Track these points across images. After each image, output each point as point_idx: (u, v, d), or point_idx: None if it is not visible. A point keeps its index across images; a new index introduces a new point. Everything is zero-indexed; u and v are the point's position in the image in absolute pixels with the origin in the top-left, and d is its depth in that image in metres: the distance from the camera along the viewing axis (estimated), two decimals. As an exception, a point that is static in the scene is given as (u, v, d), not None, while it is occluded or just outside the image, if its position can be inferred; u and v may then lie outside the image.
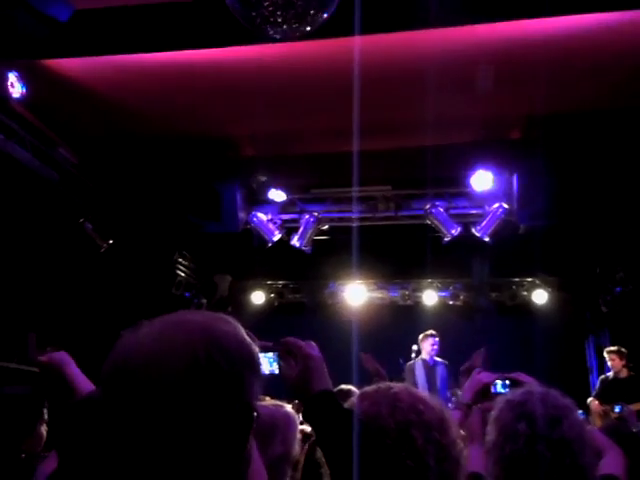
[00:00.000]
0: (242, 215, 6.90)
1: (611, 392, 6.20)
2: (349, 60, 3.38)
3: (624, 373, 6.28)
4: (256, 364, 0.88)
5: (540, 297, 8.62)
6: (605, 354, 6.62)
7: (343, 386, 3.65)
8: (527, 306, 8.77)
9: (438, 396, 6.30)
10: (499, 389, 2.25)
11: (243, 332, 0.89)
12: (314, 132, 5.67)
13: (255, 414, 0.84)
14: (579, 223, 6.50)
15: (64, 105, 5.45)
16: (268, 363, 1.41)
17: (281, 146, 6.07)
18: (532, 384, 1.94)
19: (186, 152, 6.07)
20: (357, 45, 3.64)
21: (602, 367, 8.43)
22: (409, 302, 8.93)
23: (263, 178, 6.61)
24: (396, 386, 1.34)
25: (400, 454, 1.19)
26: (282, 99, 5.11)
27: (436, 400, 1.35)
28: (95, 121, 5.76)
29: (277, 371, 1.40)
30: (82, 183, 6.27)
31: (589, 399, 6.42)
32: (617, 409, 4.62)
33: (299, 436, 1.89)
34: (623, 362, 6.30)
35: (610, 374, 6.51)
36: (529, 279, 8.77)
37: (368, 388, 1.35)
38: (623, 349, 6.40)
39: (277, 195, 6.88)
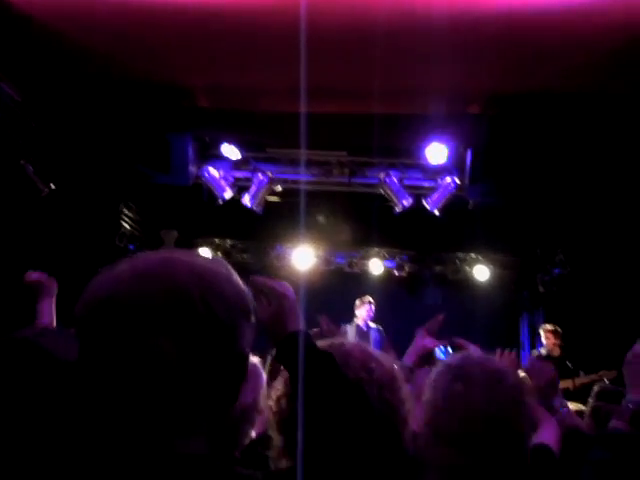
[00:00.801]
0: (193, 169, 6.70)
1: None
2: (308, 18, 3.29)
3: (556, 352, 6.54)
4: (250, 311, 0.83)
5: (481, 273, 8.84)
6: (541, 331, 6.87)
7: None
8: (468, 281, 8.99)
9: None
10: (440, 354, 2.29)
11: (236, 275, 0.83)
12: (273, 89, 5.52)
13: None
14: (526, 203, 6.65)
15: (8, 38, 5.08)
16: None
17: (238, 100, 5.89)
18: (473, 350, 1.97)
19: (138, 97, 5.80)
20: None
21: (533, 344, 8.80)
22: (355, 270, 8.99)
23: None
24: (349, 343, 1.31)
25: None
26: (242, 52, 4.92)
27: (388, 358, 1.33)
28: (42, 57, 5.40)
29: None
30: (25, 122, 5.92)
31: (520, 373, 6.68)
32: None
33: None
34: (557, 341, 6.56)
35: (543, 351, 6.78)
36: (472, 255, 8.97)
37: (320, 343, 1.31)
38: (559, 329, 6.65)
39: (230, 152, 6.71)
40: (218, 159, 6.98)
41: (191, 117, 6.26)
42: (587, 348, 6.76)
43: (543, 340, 6.77)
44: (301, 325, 1.25)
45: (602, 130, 5.27)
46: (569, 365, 6.20)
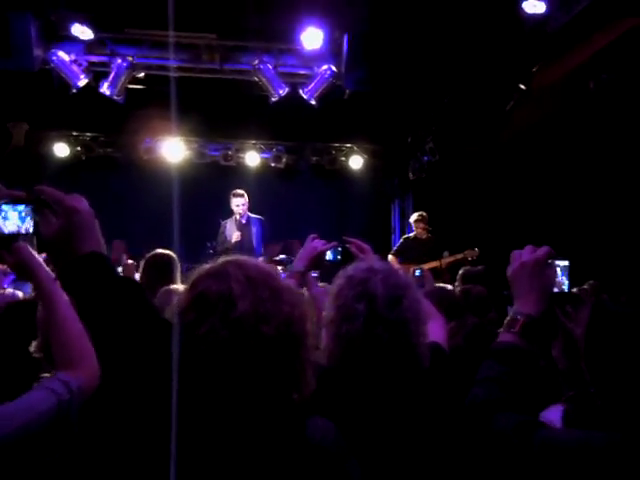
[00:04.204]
0: (38, 52, 5.84)
1: (411, 251, 6.87)
2: None
3: (424, 235, 6.94)
4: None
5: (356, 162, 8.98)
6: (411, 220, 7.21)
7: (159, 250, 3.39)
8: (343, 171, 9.11)
9: (252, 252, 6.37)
10: (329, 256, 2.25)
11: None
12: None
13: None
14: (400, 91, 6.66)
15: None
16: (19, 218, 1.12)
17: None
18: (370, 257, 1.93)
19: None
20: None
21: (403, 228, 9.32)
22: (231, 162, 8.69)
23: None
24: (245, 259, 1.16)
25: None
26: None
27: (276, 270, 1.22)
28: None
29: (32, 229, 1.12)
30: None
31: (389, 256, 7.05)
32: (417, 273, 5.11)
33: None
34: (425, 226, 6.94)
35: (412, 235, 7.18)
36: (348, 145, 9.03)
37: (213, 264, 1.14)
38: (424, 214, 7.02)
39: (82, 32, 5.90)
40: (68, 41, 6.13)
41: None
42: (452, 230, 7.26)
43: (413, 227, 7.14)
44: (98, 247, 1.06)
45: (474, 13, 5.27)
46: (436, 247, 6.63)
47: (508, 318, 1.26)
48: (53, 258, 1.08)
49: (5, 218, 1.12)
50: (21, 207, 1.11)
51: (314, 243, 2.12)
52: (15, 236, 1.13)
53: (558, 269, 1.32)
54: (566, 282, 1.33)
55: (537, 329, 1.24)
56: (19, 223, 1.11)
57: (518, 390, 1.18)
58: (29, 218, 1.11)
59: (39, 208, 1.08)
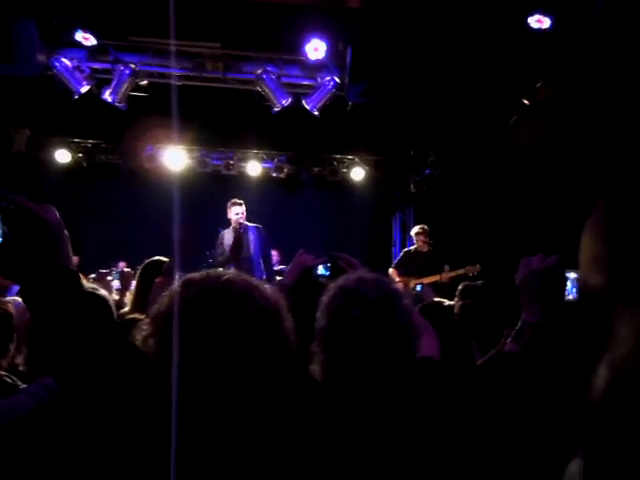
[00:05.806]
0: (41, 58, 5.83)
1: (412, 264, 6.82)
2: None
3: (425, 248, 6.90)
4: None
5: (358, 174, 8.96)
6: (412, 233, 7.17)
7: (157, 257, 3.35)
8: (345, 182, 9.09)
9: (250, 260, 6.29)
10: (320, 271, 2.22)
11: None
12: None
13: None
14: (402, 103, 6.64)
15: None
16: None
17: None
18: (358, 268, 1.90)
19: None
20: None
21: (404, 241, 9.28)
22: (232, 172, 8.67)
23: None
24: (228, 273, 1.15)
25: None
26: None
27: (271, 288, 1.20)
28: None
29: (1, 238, 1.08)
30: None
31: (390, 269, 7.01)
32: (418, 288, 5.07)
33: None
34: (426, 239, 6.90)
35: (412, 248, 7.13)
36: (349, 156, 9.01)
37: (194, 275, 1.13)
38: (426, 227, 6.97)
39: (85, 38, 5.89)
40: (71, 47, 6.13)
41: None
42: (453, 243, 7.21)
43: (414, 240, 7.09)
44: (66, 260, 1.03)
45: (479, 28, 5.26)
46: (436, 260, 6.58)
47: (517, 328, 1.24)
48: (18, 269, 1.03)
49: None
50: None
51: (303, 258, 2.10)
52: None
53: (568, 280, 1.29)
54: (576, 293, 1.31)
55: (545, 338, 1.22)
56: None
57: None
58: None
59: (7, 217, 1.05)
